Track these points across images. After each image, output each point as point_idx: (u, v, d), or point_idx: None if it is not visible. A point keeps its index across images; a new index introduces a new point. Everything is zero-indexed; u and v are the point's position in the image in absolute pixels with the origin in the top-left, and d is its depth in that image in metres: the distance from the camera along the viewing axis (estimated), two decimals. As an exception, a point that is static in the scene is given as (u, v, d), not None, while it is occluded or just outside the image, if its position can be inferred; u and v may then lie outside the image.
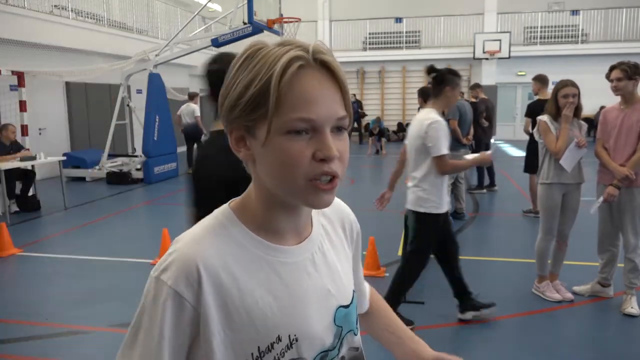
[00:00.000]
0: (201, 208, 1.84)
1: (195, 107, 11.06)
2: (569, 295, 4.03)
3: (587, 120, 4.07)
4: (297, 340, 0.81)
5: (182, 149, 11.69)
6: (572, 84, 3.82)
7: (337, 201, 0.99)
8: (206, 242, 0.79)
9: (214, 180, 1.76)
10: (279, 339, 0.80)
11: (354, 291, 0.93)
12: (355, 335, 0.92)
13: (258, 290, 0.80)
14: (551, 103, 3.90)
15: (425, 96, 5.88)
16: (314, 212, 0.92)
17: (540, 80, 6.39)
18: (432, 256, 5.20)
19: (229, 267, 0.78)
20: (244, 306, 0.78)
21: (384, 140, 15.10)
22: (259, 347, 0.79)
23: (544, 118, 3.91)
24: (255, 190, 0.83)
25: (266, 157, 0.76)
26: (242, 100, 0.74)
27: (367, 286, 1.13)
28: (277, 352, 0.80)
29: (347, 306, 0.90)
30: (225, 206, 0.86)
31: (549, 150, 3.86)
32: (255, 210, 0.83)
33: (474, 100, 8.29)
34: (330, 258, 0.90)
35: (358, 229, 1.03)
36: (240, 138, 0.79)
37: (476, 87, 8.70)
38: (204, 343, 0.77)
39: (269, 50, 0.75)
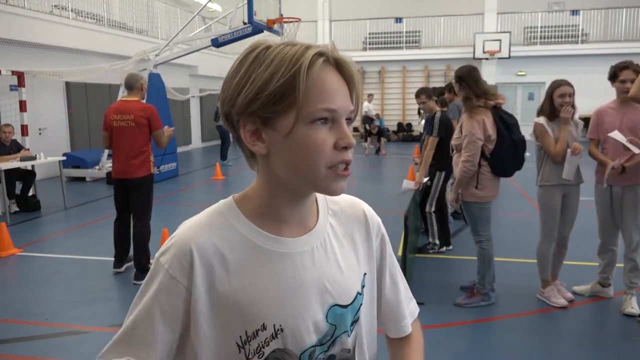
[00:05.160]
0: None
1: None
2: (569, 295, 4.02)
3: (587, 120, 4.05)
4: (282, 331, 0.83)
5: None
6: (567, 83, 3.78)
7: (357, 203, 1.00)
8: (202, 228, 0.85)
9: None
10: (264, 327, 0.82)
11: (358, 293, 0.92)
12: (349, 337, 0.91)
13: (247, 276, 0.83)
14: (546, 103, 3.83)
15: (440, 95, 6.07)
16: (323, 210, 0.93)
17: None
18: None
19: (221, 251, 0.83)
20: (231, 290, 0.82)
21: (383, 140, 15.11)
22: (246, 331, 0.82)
23: (540, 120, 3.84)
24: (262, 182, 0.86)
25: (289, 147, 0.79)
26: (263, 94, 0.78)
27: (408, 314, 1.06)
28: (262, 340, 0.82)
29: (344, 306, 0.89)
30: (229, 197, 0.90)
31: (548, 152, 3.81)
32: (259, 202, 0.87)
33: None
34: (334, 256, 0.90)
35: (382, 233, 1.01)
36: (254, 131, 0.82)
37: None
38: (194, 322, 0.82)
39: (282, 48, 0.79)
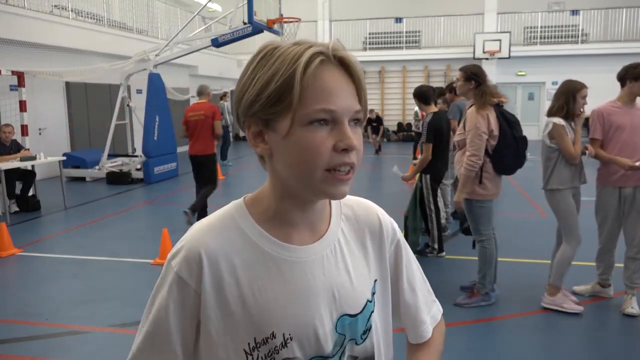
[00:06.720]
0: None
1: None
2: (574, 300, 3.94)
3: (587, 120, 4.04)
4: (291, 340, 0.81)
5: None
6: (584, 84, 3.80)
7: (371, 208, 0.98)
8: (212, 232, 0.84)
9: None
10: (273, 336, 0.81)
11: (368, 301, 0.90)
12: (358, 344, 0.89)
13: (256, 283, 0.82)
14: (571, 104, 3.71)
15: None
16: (336, 214, 0.91)
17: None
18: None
19: (230, 257, 0.82)
20: (240, 296, 0.81)
21: (383, 138, 15.07)
22: (254, 338, 0.81)
23: (560, 121, 3.71)
24: (271, 185, 0.85)
25: (287, 149, 0.78)
26: (263, 95, 0.77)
27: (428, 320, 1.04)
28: (272, 348, 0.81)
29: (353, 315, 0.87)
30: (239, 200, 0.89)
31: (568, 154, 3.70)
32: (268, 205, 0.86)
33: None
34: (344, 263, 0.88)
35: (398, 239, 0.99)
36: (257, 133, 0.82)
37: None
38: (203, 326, 0.82)
39: (286, 49, 0.78)
